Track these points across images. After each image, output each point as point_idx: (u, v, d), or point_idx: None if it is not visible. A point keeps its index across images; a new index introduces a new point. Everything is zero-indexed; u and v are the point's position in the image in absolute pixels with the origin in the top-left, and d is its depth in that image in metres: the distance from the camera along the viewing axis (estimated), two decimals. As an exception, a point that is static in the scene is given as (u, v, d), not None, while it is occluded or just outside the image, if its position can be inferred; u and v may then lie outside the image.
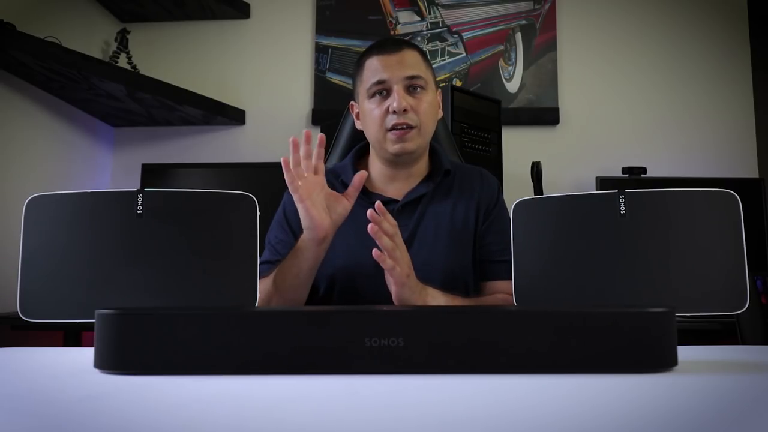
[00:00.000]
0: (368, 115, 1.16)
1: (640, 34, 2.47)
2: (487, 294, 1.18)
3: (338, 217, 1.02)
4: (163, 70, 2.39)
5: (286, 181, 0.97)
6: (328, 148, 1.49)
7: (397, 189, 1.21)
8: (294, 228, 1.19)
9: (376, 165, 1.22)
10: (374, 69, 1.15)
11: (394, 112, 1.11)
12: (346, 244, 1.12)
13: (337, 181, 1.22)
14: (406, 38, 2.46)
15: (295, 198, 0.98)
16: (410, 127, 1.13)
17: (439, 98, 1.23)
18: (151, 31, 2.55)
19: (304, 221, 1.00)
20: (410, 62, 1.15)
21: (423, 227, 1.17)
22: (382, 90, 1.14)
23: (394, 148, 1.14)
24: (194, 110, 2.32)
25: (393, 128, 1.13)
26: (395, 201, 1.18)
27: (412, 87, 1.14)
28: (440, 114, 1.24)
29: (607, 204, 0.74)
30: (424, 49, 2.46)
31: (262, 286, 1.06)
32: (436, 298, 1.04)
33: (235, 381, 0.52)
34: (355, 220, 1.19)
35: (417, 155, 1.18)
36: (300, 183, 0.97)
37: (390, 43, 1.18)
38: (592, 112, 2.46)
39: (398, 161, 1.18)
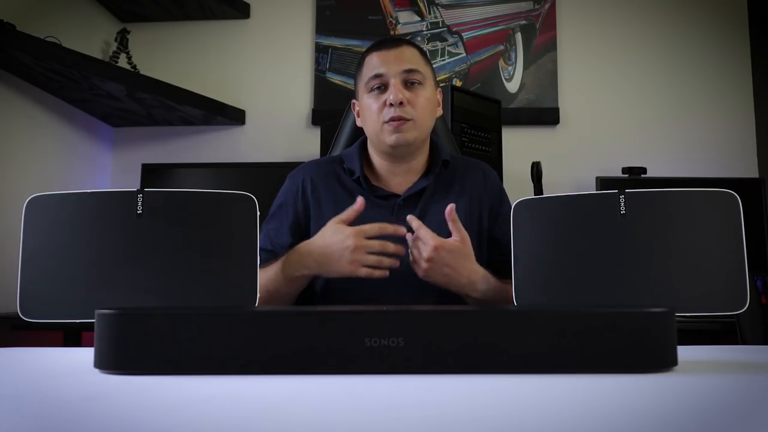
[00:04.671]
0: (366, 109, 1.18)
1: (640, 34, 2.47)
2: None
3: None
4: (163, 70, 2.39)
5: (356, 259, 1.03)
6: (328, 147, 1.49)
7: (398, 184, 1.21)
8: (289, 217, 1.20)
9: (376, 160, 1.24)
10: (373, 65, 1.17)
11: (391, 104, 1.13)
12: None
13: (341, 167, 1.23)
14: (407, 38, 2.46)
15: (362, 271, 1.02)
16: (407, 120, 1.14)
17: (439, 96, 1.24)
18: (151, 31, 2.55)
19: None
20: (408, 57, 1.17)
21: (426, 224, 1.17)
22: (380, 84, 1.16)
23: (390, 139, 1.15)
24: (194, 110, 2.32)
25: (390, 120, 1.14)
26: (396, 195, 1.19)
27: (409, 81, 1.16)
28: (440, 111, 1.25)
29: (607, 204, 0.74)
30: (424, 48, 2.46)
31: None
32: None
33: (235, 381, 0.52)
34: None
35: (414, 148, 1.19)
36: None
37: (389, 41, 1.20)
38: (592, 112, 2.46)
39: (396, 153, 1.18)
